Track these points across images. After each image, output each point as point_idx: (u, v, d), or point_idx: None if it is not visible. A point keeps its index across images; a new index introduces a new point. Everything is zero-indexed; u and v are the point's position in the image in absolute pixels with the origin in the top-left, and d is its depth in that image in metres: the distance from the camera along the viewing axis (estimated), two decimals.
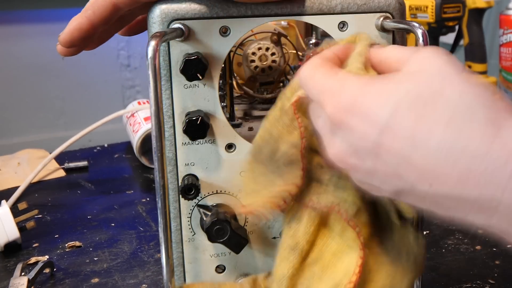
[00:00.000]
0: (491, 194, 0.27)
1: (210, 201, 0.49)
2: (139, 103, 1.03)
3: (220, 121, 0.47)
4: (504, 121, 0.28)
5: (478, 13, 0.99)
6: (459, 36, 1.03)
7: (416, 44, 0.43)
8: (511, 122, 0.28)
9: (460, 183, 0.28)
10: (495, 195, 0.27)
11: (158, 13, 0.43)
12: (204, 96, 0.46)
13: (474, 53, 1.01)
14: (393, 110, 0.29)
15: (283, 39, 0.65)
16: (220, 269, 0.51)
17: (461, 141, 0.27)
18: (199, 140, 0.46)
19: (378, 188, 0.32)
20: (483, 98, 0.29)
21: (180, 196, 0.47)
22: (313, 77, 0.35)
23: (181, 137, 0.46)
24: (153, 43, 0.38)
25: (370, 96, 0.30)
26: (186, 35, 0.43)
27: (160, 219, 0.42)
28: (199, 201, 0.48)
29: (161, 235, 0.43)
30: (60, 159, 0.94)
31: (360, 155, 0.31)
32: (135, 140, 0.92)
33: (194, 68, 0.42)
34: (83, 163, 0.94)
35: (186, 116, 0.45)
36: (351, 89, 0.32)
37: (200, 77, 0.43)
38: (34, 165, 0.90)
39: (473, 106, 0.28)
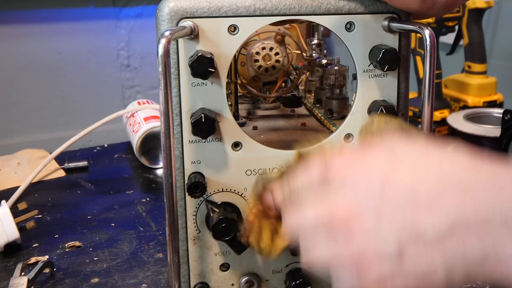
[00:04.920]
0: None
1: (216, 199, 0.49)
2: (139, 103, 1.03)
3: (227, 120, 0.47)
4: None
5: (478, 13, 1.00)
6: (459, 36, 1.04)
7: (424, 45, 0.43)
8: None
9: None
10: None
11: (167, 11, 0.43)
12: (212, 95, 0.46)
13: (474, 53, 1.01)
14: (391, 162, 0.32)
15: (286, 39, 0.65)
16: (224, 267, 0.51)
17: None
18: (206, 138, 0.46)
19: (382, 249, 0.32)
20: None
21: (186, 194, 0.47)
22: None
23: (188, 135, 0.46)
24: (163, 41, 0.38)
25: (369, 156, 0.34)
26: (195, 33, 0.43)
27: (167, 217, 0.42)
28: (207, 196, 0.48)
29: (168, 232, 0.43)
30: (60, 159, 0.94)
31: (365, 203, 0.32)
32: (135, 140, 0.92)
33: (206, 65, 0.42)
34: (83, 163, 0.94)
35: (191, 117, 0.45)
36: (349, 154, 0.35)
37: (213, 70, 0.43)
38: (34, 165, 0.90)
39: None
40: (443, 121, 0.96)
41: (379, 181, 0.32)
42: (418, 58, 0.99)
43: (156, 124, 0.92)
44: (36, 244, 0.69)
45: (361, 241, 0.32)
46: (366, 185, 0.32)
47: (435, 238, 0.30)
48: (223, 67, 0.45)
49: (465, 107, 1.01)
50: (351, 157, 0.34)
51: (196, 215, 0.49)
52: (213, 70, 0.43)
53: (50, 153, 0.89)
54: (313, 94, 0.71)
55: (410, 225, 0.30)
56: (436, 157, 0.32)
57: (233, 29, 0.45)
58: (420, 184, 0.30)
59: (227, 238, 0.47)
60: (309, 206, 0.35)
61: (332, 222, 0.33)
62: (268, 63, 0.64)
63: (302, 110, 0.68)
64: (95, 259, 0.65)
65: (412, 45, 0.97)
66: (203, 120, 0.44)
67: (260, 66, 0.64)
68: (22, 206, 0.70)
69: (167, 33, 0.39)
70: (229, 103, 0.57)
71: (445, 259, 0.30)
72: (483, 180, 0.29)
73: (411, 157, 0.32)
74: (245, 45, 0.64)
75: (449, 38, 1.05)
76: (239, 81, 0.63)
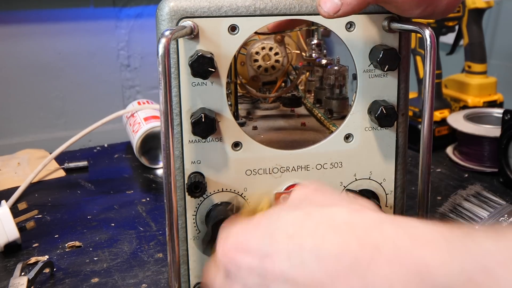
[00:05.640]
0: None
1: (216, 199, 0.49)
2: (139, 103, 1.03)
3: (227, 120, 0.47)
4: None
5: (478, 13, 1.00)
6: (459, 36, 1.04)
7: (424, 45, 0.43)
8: None
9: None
10: None
11: (167, 10, 0.43)
12: (212, 95, 0.46)
13: (474, 53, 1.01)
14: (270, 239, 0.32)
15: (286, 39, 0.65)
16: None
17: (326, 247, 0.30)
18: (206, 138, 0.46)
19: None
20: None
21: (186, 193, 0.47)
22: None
23: (188, 135, 0.46)
24: (163, 41, 0.38)
25: (250, 233, 0.34)
26: (195, 33, 0.43)
27: (167, 217, 0.42)
28: (204, 199, 0.48)
29: (167, 232, 0.43)
30: (60, 159, 0.94)
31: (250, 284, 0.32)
32: (135, 140, 0.92)
33: (206, 65, 0.42)
34: (83, 163, 0.94)
35: (191, 117, 0.45)
36: (234, 232, 0.35)
37: (213, 70, 0.43)
38: (34, 165, 0.90)
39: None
40: (443, 121, 0.96)
41: (258, 261, 0.32)
42: (418, 58, 0.99)
43: (156, 124, 0.92)
44: (36, 244, 0.69)
45: None
46: (248, 265, 0.32)
47: None
48: (223, 67, 0.45)
49: (465, 107, 1.01)
50: (233, 240, 0.35)
51: (196, 215, 0.49)
52: (213, 69, 0.43)
53: (50, 153, 0.89)
54: (312, 94, 0.71)
55: None
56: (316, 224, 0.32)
57: (233, 28, 0.45)
58: (298, 269, 0.30)
59: None
60: None
61: None
62: (268, 63, 0.64)
63: (301, 110, 0.68)
64: (95, 259, 0.65)
65: (412, 45, 0.97)
66: (203, 120, 0.44)
67: (259, 66, 0.64)
68: (22, 206, 0.70)
69: (167, 33, 0.39)
70: (229, 103, 0.57)
71: None
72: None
73: (292, 228, 0.32)
74: (244, 45, 0.64)
75: (449, 38, 1.05)
76: (238, 81, 0.63)
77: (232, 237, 0.35)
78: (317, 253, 0.29)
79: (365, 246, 0.29)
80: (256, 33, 0.61)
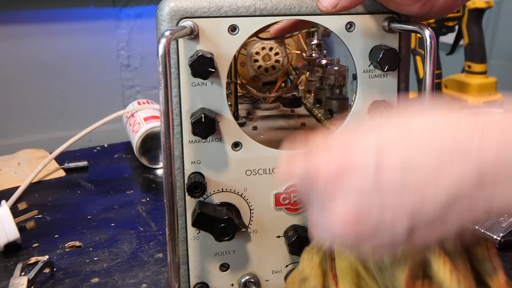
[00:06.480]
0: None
1: (216, 199, 0.49)
2: (139, 103, 1.03)
3: (227, 120, 0.47)
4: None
5: (478, 13, 1.00)
6: (459, 36, 1.04)
7: (424, 45, 0.43)
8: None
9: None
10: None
11: (167, 10, 0.43)
12: (212, 95, 0.46)
13: (474, 53, 1.01)
14: (377, 149, 0.32)
15: (286, 39, 0.65)
16: (224, 267, 0.51)
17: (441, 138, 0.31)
18: (206, 138, 0.46)
19: (393, 235, 0.33)
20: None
21: (186, 194, 0.47)
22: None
23: (188, 135, 0.46)
24: (163, 41, 0.38)
25: (351, 153, 0.33)
26: (195, 33, 0.43)
27: (167, 217, 0.42)
28: (204, 199, 0.49)
29: (167, 232, 0.43)
30: (60, 159, 0.94)
31: (366, 201, 0.32)
32: (135, 140, 0.92)
33: (206, 65, 0.42)
34: (83, 163, 0.94)
35: (191, 117, 0.46)
36: (329, 157, 0.34)
37: (213, 70, 0.43)
38: (34, 165, 0.90)
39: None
40: None
41: (372, 173, 0.32)
42: (418, 58, 0.99)
43: (156, 124, 0.92)
44: (36, 244, 0.69)
45: (372, 238, 0.33)
46: (360, 181, 0.32)
47: (440, 211, 0.31)
48: (223, 67, 0.45)
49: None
50: (335, 154, 0.34)
51: None
52: (213, 70, 0.43)
53: (50, 153, 0.89)
54: (312, 94, 0.71)
55: (413, 205, 0.31)
56: (420, 126, 0.32)
57: (233, 29, 0.45)
58: (414, 163, 0.31)
59: (227, 239, 0.47)
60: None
61: (337, 230, 0.33)
62: (268, 63, 0.64)
63: (301, 110, 0.68)
64: (95, 259, 0.65)
65: (412, 45, 0.97)
66: (203, 120, 0.44)
67: (260, 66, 0.65)
68: (22, 206, 0.70)
69: (167, 33, 0.39)
70: (229, 103, 0.57)
71: (454, 224, 0.31)
72: (476, 141, 0.30)
73: (397, 135, 0.33)
74: (245, 45, 0.64)
75: (449, 38, 1.05)
76: (239, 81, 0.64)
77: (331, 162, 0.34)
78: (429, 150, 0.31)
79: (473, 130, 0.30)
80: (258, 37, 0.61)
